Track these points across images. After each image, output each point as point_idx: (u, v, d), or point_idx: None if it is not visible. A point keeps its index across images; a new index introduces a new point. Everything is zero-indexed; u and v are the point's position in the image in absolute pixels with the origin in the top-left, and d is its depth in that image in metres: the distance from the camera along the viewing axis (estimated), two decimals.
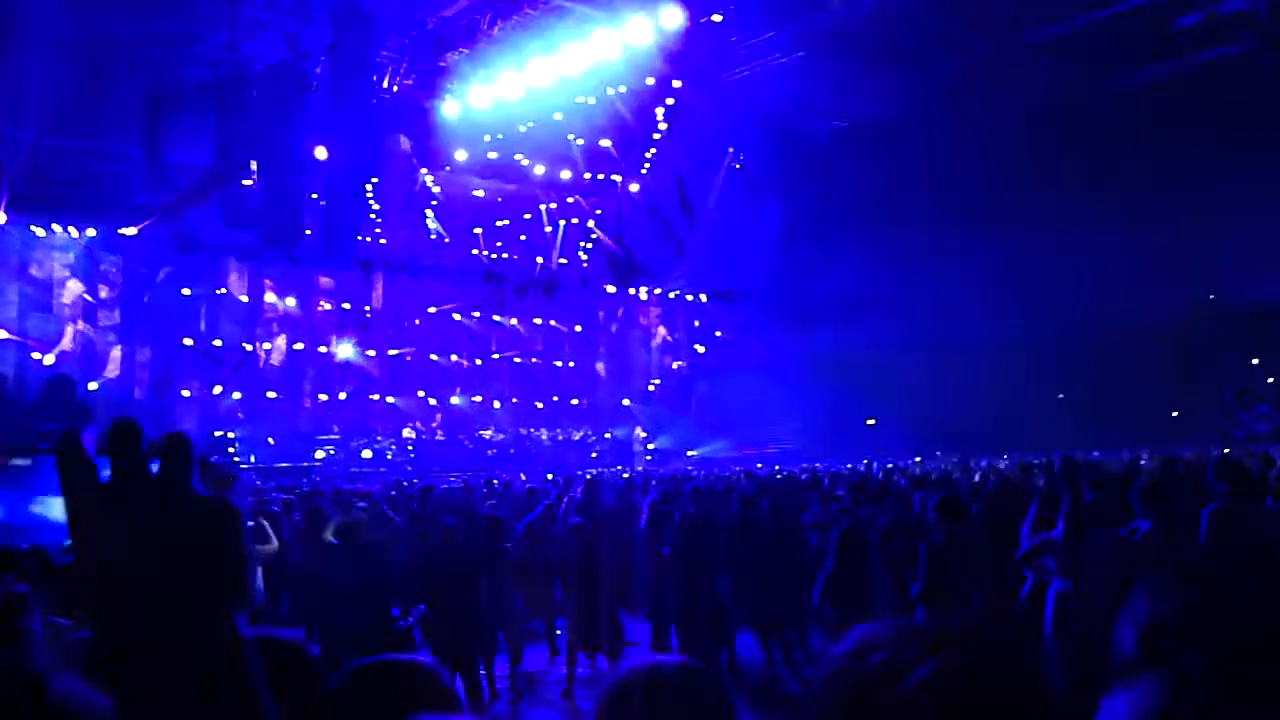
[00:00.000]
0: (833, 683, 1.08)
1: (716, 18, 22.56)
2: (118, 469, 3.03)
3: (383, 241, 28.02)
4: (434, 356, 29.41)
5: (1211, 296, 24.98)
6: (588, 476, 15.15)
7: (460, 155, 27.06)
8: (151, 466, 3.08)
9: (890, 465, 18.84)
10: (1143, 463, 13.19)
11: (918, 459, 21.56)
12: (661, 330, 33.79)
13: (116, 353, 23.32)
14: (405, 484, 16.31)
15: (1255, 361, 25.65)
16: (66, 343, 22.55)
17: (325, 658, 2.97)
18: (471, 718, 2.26)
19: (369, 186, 25.11)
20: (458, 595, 7.61)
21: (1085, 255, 24.31)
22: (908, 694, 0.99)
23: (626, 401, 31.58)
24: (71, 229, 22.86)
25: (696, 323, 33.85)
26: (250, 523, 8.15)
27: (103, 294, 23.46)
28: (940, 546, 6.77)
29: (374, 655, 2.41)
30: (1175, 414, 24.67)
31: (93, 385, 21.87)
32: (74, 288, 23.06)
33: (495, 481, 15.84)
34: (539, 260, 31.37)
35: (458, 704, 2.35)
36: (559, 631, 9.50)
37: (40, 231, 22.57)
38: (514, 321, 31.26)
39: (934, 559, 6.71)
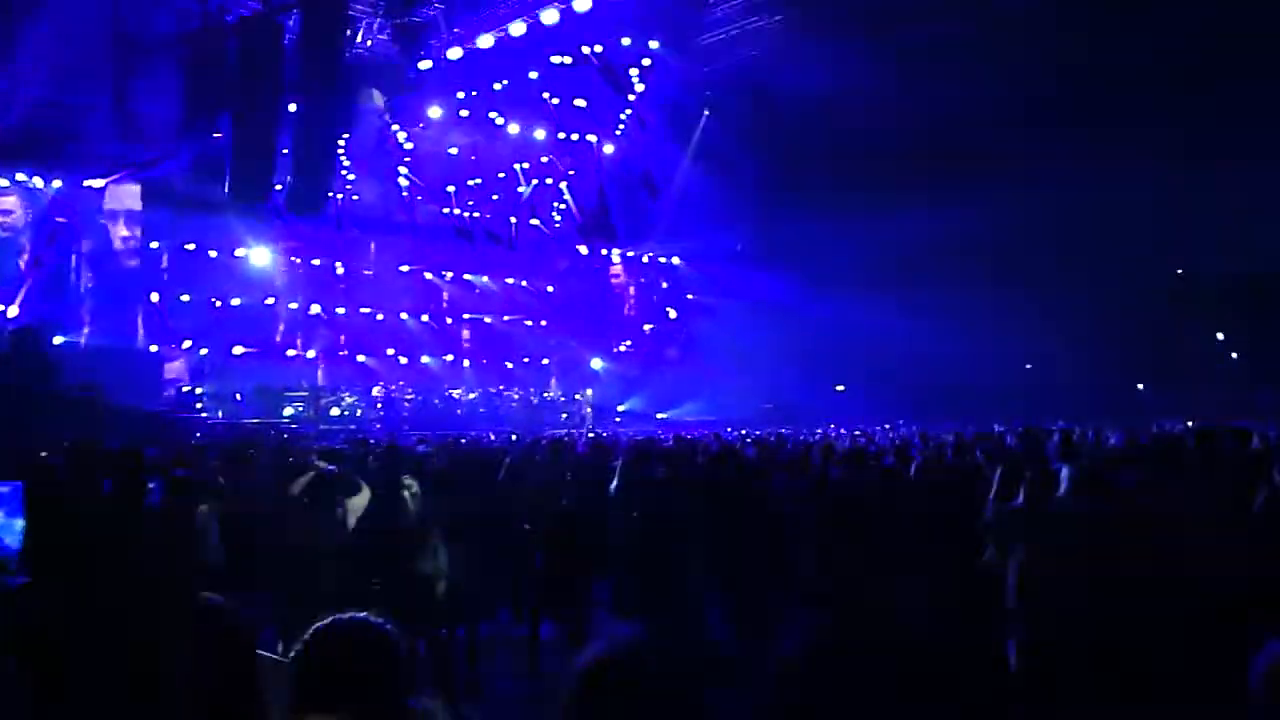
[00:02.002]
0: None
1: None
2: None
3: (355, 198, 27.80)
4: (404, 315, 29.27)
5: (1179, 271, 25.16)
6: (562, 437, 15.15)
7: (434, 112, 26.83)
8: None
9: (858, 432, 18.93)
10: (1108, 436, 13.29)
11: (886, 426, 21.69)
12: (632, 292, 33.74)
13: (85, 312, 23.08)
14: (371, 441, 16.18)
15: (1220, 336, 25.87)
16: (21, 295, 22.28)
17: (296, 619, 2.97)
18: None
19: (341, 142, 24.84)
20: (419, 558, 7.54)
21: (1057, 225, 24.42)
22: None
23: (599, 363, 31.56)
24: (37, 179, 22.58)
25: (665, 284, 33.83)
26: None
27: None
28: (898, 514, 6.82)
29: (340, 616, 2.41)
30: (1140, 386, 24.89)
31: (58, 339, 21.64)
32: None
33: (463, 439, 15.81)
34: (512, 220, 31.23)
35: (414, 669, 2.38)
36: (524, 595, 9.46)
37: (4, 182, 22.29)
38: (485, 280, 31.14)
39: (892, 526, 6.75)
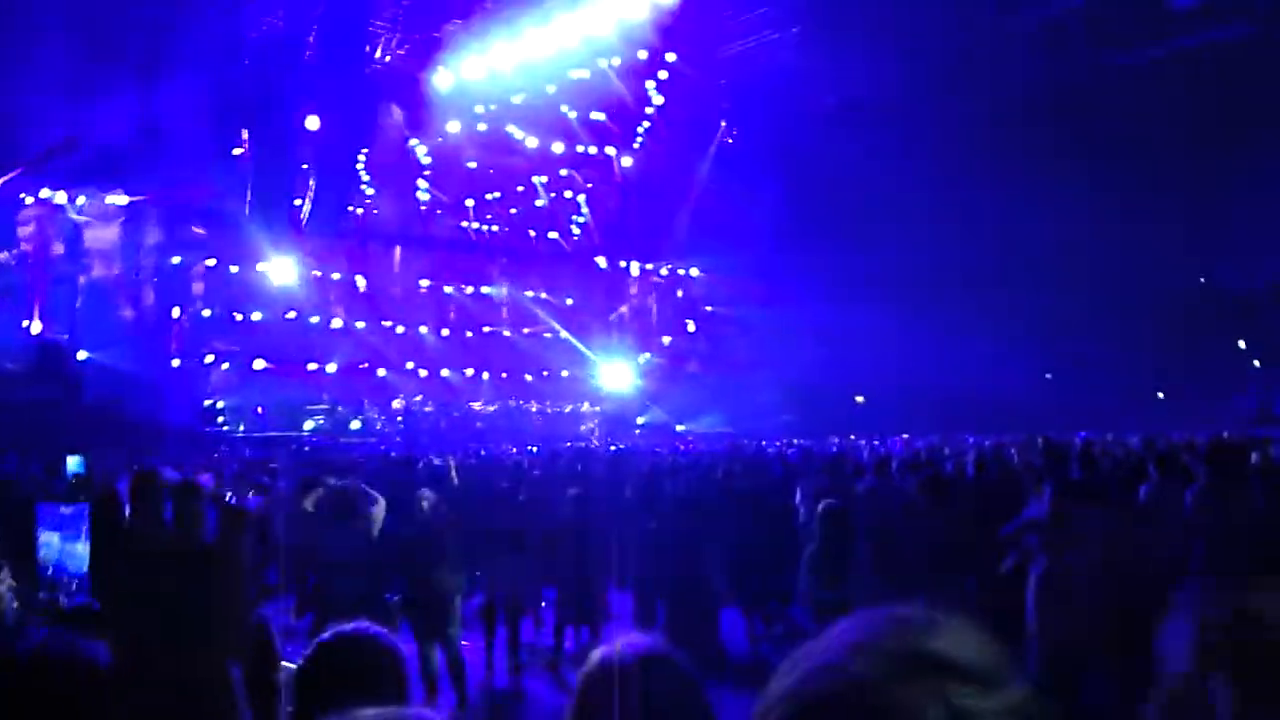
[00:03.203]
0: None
1: None
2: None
3: (375, 212, 27.95)
4: (424, 329, 29.36)
5: (1202, 280, 25.05)
6: (582, 450, 15.18)
7: (452, 126, 26.96)
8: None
9: (877, 443, 18.86)
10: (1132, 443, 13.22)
11: (905, 435, 21.62)
12: (652, 304, 33.75)
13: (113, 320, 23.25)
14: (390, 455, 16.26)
15: (1241, 345, 25.71)
16: (39, 311, 22.46)
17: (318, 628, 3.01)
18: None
19: (360, 157, 25.02)
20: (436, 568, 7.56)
21: (1079, 235, 24.34)
22: None
23: (617, 375, 31.49)
24: (60, 195, 22.77)
25: (680, 292, 33.84)
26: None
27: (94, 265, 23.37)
28: (925, 525, 6.83)
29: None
30: (1160, 395, 24.76)
31: (83, 354, 21.80)
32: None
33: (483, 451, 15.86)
34: (530, 233, 31.32)
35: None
36: (544, 604, 9.47)
37: (29, 199, 22.49)
38: (504, 293, 31.22)
39: (919, 538, 6.75)
